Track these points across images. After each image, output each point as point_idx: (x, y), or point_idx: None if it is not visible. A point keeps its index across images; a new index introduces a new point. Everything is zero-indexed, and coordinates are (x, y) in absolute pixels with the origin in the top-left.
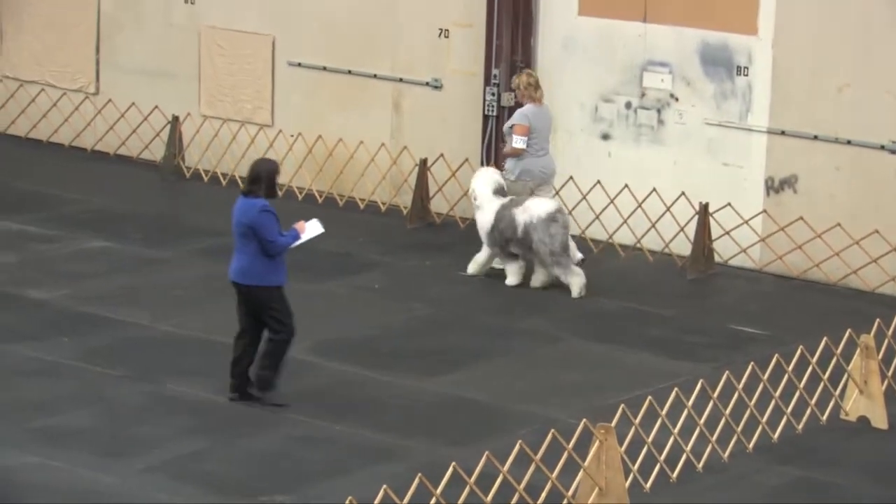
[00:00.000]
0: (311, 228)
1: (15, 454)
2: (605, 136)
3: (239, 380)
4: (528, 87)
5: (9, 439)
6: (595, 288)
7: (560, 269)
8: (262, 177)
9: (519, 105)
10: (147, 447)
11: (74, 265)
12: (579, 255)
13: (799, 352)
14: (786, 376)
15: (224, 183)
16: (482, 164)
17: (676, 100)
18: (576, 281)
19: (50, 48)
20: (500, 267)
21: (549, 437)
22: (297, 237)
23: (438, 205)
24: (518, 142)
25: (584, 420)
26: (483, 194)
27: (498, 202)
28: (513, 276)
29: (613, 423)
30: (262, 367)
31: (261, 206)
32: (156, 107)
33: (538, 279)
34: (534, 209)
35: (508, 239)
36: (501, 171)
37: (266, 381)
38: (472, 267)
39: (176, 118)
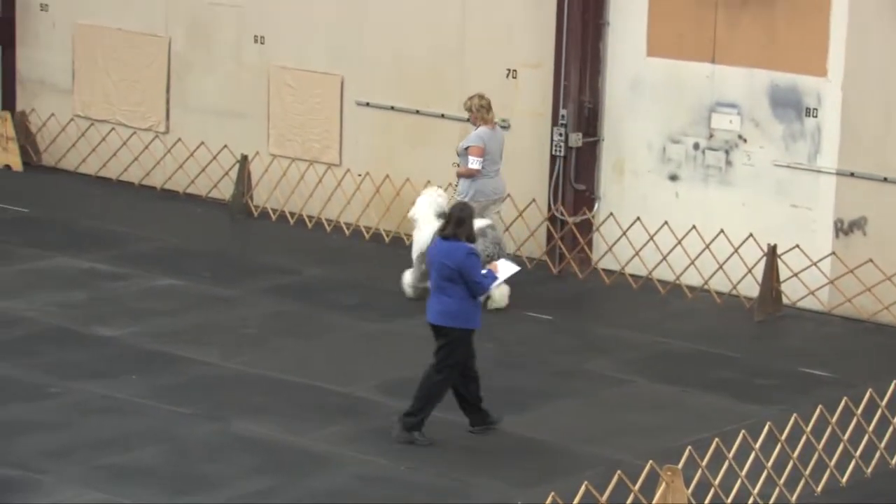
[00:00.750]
0: (505, 268)
1: (83, 491)
2: (673, 177)
3: (474, 414)
4: (481, 110)
5: (77, 476)
6: (662, 329)
7: None
8: (466, 221)
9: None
10: (214, 486)
11: (144, 303)
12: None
13: (868, 395)
14: (854, 419)
15: (292, 222)
16: (550, 206)
17: (745, 141)
18: (495, 293)
19: (121, 87)
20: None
21: (615, 478)
22: (495, 278)
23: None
24: (474, 163)
25: (651, 462)
26: (423, 215)
27: (436, 223)
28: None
29: (680, 465)
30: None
31: (467, 249)
32: (225, 146)
33: (496, 301)
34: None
35: None
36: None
37: (414, 425)
38: (408, 290)
39: (245, 157)
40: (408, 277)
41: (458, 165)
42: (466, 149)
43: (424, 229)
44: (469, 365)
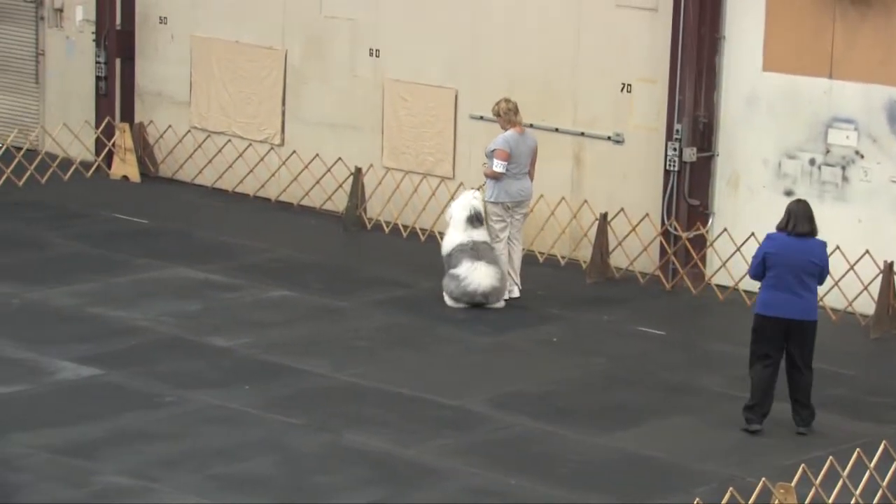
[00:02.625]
0: None
1: (193, 500)
2: (789, 193)
3: (767, 410)
4: (508, 113)
5: (190, 485)
6: None
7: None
8: (813, 216)
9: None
10: (325, 497)
11: (257, 314)
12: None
13: None
14: None
15: (405, 234)
16: (663, 220)
17: (862, 157)
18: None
19: (238, 99)
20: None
21: (728, 495)
22: None
23: (618, 259)
24: (498, 166)
25: (764, 479)
26: (458, 218)
27: (465, 235)
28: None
29: (793, 483)
30: (806, 404)
31: (824, 243)
32: (339, 158)
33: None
34: (481, 279)
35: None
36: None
37: (813, 416)
38: (449, 301)
39: (359, 170)
40: (449, 288)
41: (486, 166)
42: (493, 151)
43: (452, 233)
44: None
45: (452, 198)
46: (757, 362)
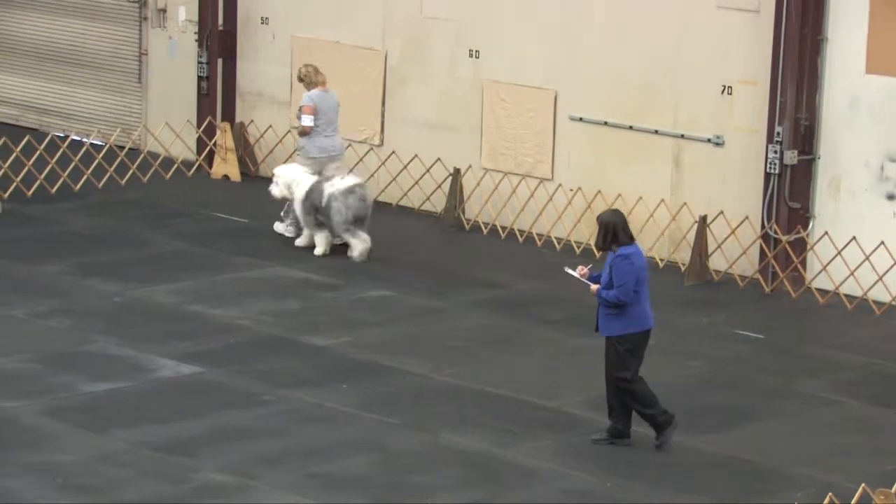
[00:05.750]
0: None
1: (292, 498)
2: (891, 197)
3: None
4: (308, 76)
5: (287, 483)
6: (876, 351)
7: (348, 234)
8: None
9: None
10: (421, 496)
11: (355, 313)
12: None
13: None
14: None
15: (503, 236)
16: (763, 223)
17: None
18: (357, 244)
19: (339, 100)
20: (340, 243)
21: (827, 501)
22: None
23: (717, 262)
24: (306, 120)
25: (863, 485)
26: (294, 175)
27: (312, 178)
28: (320, 247)
29: (894, 490)
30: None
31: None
32: (438, 159)
33: (356, 251)
34: (338, 183)
35: (316, 208)
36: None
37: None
38: (317, 249)
39: (457, 170)
40: (305, 239)
41: (298, 127)
42: (301, 108)
43: (303, 183)
44: None
45: (550, 200)
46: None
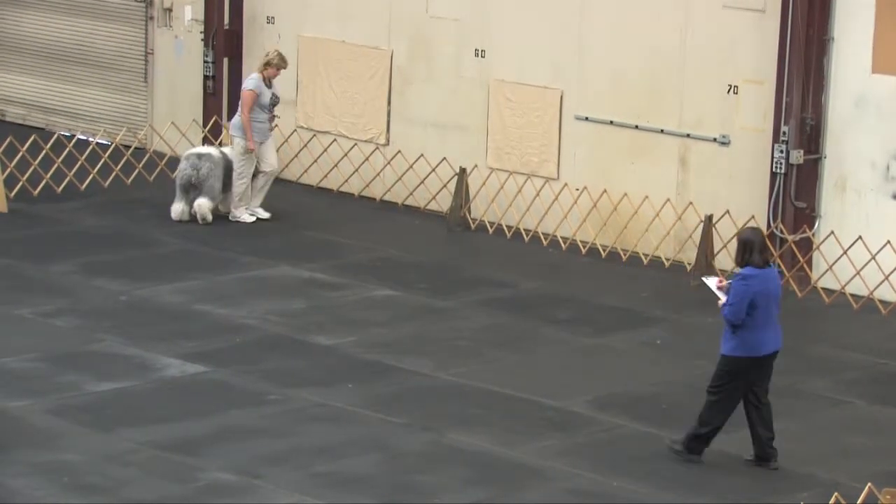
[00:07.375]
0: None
1: (298, 497)
2: None
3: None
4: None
5: (291, 482)
6: (883, 350)
7: (188, 198)
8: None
9: None
10: (427, 496)
11: (361, 313)
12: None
13: None
14: None
15: (508, 235)
16: (769, 223)
17: None
18: (197, 207)
19: (343, 99)
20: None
21: (833, 500)
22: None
23: (723, 262)
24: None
25: (869, 484)
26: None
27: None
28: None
29: None
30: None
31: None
32: (444, 158)
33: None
34: (191, 149)
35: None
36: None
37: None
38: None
39: (463, 170)
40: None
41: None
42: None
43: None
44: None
45: (556, 199)
46: (735, 400)
